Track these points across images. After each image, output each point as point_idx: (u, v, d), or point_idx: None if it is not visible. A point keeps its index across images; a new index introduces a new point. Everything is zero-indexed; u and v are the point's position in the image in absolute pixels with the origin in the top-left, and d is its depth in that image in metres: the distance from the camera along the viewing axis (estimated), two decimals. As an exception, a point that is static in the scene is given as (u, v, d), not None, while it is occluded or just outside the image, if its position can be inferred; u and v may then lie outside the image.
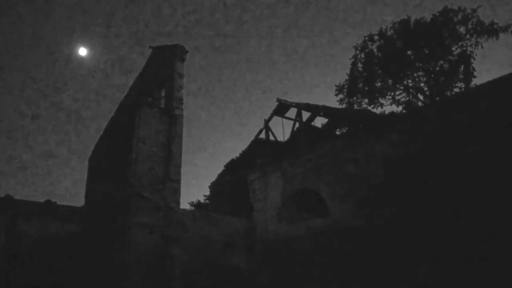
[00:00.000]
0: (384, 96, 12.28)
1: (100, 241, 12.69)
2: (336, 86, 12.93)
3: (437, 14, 11.56)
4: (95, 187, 14.48)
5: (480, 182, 8.97)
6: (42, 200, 18.00)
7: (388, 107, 12.73)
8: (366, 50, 12.51)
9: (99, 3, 52.01)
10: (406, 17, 11.99)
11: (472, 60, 11.35)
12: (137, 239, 11.41)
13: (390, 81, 12.15)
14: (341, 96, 12.85)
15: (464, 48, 11.39)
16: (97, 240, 12.89)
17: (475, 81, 11.39)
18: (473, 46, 11.43)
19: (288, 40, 58.08)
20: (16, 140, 48.21)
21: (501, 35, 11.17)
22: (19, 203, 16.22)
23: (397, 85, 12.09)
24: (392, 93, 12.23)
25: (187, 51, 14.62)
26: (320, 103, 17.59)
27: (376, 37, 12.37)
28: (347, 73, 12.87)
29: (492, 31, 11.07)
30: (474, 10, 11.39)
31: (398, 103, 11.91)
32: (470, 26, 11.43)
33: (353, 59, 12.75)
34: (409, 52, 11.83)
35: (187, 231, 12.67)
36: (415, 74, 11.90)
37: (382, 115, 12.56)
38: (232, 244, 13.66)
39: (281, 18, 56.06)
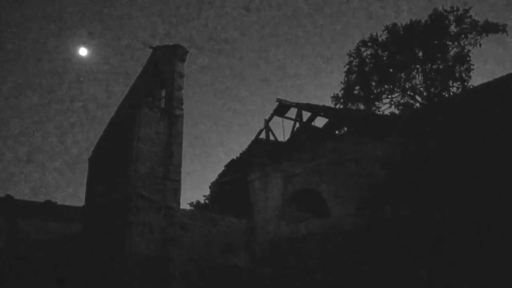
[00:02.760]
0: (380, 100, 12.28)
1: (100, 241, 12.69)
2: (332, 97, 12.95)
3: (430, 15, 11.57)
4: (95, 187, 14.48)
5: (481, 182, 8.96)
6: (42, 200, 18.02)
7: (386, 110, 12.68)
8: (360, 56, 12.49)
9: (100, 3, 52.05)
10: (391, 24, 11.98)
11: (468, 59, 11.33)
12: (137, 239, 11.41)
13: (386, 86, 12.14)
14: (338, 105, 12.88)
15: (461, 47, 11.37)
16: (97, 240, 12.88)
17: (473, 81, 11.40)
18: (471, 45, 11.41)
19: (289, 40, 58.14)
20: (16, 140, 48.23)
21: (498, 33, 11.14)
22: (19, 203, 16.23)
23: (394, 88, 12.09)
24: (389, 96, 12.23)
25: (187, 51, 14.62)
26: (321, 103, 17.61)
27: (369, 43, 12.35)
28: (341, 82, 12.88)
29: (490, 27, 11.03)
30: (466, 11, 11.39)
31: (395, 105, 11.91)
32: (464, 26, 11.41)
33: (347, 66, 12.73)
34: (403, 55, 11.82)
35: (187, 231, 12.66)
36: (411, 75, 11.89)
37: (383, 115, 12.56)
38: (232, 244, 13.65)
39: (282, 18, 56.12)
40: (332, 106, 13.01)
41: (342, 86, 12.77)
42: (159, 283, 11.48)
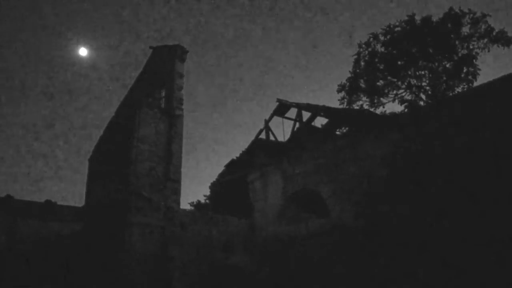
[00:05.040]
0: (386, 95, 12.25)
1: (100, 241, 12.69)
2: (338, 85, 12.89)
3: (445, 13, 11.52)
4: (95, 187, 14.49)
5: (482, 182, 8.96)
6: (42, 200, 18.01)
7: (390, 105, 12.79)
8: (370, 48, 12.46)
9: (100, 3, 52.06)
10: (411, 14, 11.90)
11: (475, 62, 11.30)
12: (137, 239, 11.40)
13: (392, 79, 12.11)
14: (342, 94, 12.82)
15: (470, 49, 11.35)
16: (97, 240, 12.88)
17: (478, 82, 11.38)
18: (481, 49, 11.38)
19: (289, 40, 58.16)
20: (16, 141, 48.23)
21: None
22: (19, 203, 16.22)
23: (400, 83, 12.07)
24: (395, 91, 12.20)
25: (187, 51, 14.62)
26: (321, 103, 17.61)
27: (381, 36, 12.31)
28: (350, 71, 12.84)
29: (502, 39, 11.01)
30: (484, 15, 11.34)
31: (400, 101, 11.88)
32: (479, 30, 11.38)
33: (356, 56, 12.69)
34: (414, 50, 11.78)
35: (187, 231, 12.67)
36: (418, 73, 11.87)
37: (383, 115, 12.57)
38: (232, 244, 13.66)
39: (282, 18, 56.12)
40: (337, 95, 13.02)
41: (350, 75, 12.75)
42: (159, 283, 11.48)
